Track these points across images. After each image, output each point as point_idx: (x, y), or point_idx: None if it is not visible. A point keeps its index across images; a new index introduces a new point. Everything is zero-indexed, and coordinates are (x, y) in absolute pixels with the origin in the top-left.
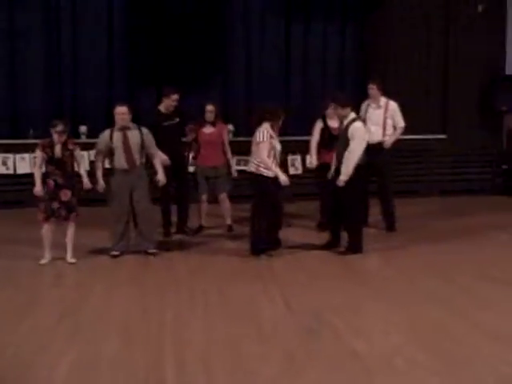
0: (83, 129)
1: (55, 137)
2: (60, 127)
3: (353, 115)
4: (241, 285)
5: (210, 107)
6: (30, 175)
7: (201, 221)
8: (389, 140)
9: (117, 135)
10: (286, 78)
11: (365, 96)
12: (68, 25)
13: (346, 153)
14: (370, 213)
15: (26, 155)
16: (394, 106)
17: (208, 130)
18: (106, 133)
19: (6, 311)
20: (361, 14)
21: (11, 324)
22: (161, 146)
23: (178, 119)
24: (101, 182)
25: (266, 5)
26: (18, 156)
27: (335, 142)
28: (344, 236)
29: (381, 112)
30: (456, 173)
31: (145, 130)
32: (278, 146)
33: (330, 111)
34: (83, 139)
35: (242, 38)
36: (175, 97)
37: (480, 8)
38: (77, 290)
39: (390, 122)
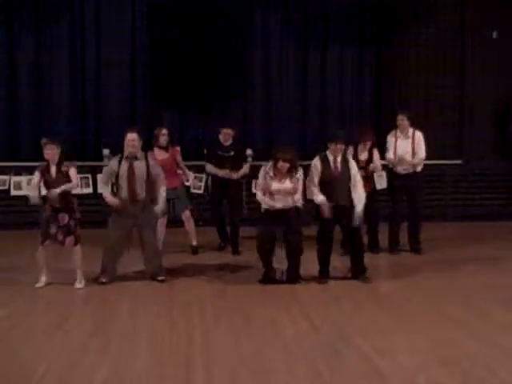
0: (106, 152)
1: (47, 156)
2: (48, 142)
3: None
4: (262, 304)
5: (164, 131)
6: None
7: (159, 244)
8: (399, 164)
9: (124, 164)
10: (303, 102)
11: (380, 122)
12: (92, 43)
13: (359, 184)
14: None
15: None
16: (419, 136)
17: (161, 155)
18: (114, 162)
19: (37, 329)
20: (377, 40)
21: (43, 340)
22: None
23: (232, 153)
24: (113, 199)
25: (284, 29)
26: None
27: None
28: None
29: (409, 142)
30: (471, 198)
31: (152, 162)
32: (277, 186)
33: (361, 146)
34: (106, 162)
35: (261, 61)
36: (224, 130)
37: (495, 34)
38: (104, 309)
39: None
